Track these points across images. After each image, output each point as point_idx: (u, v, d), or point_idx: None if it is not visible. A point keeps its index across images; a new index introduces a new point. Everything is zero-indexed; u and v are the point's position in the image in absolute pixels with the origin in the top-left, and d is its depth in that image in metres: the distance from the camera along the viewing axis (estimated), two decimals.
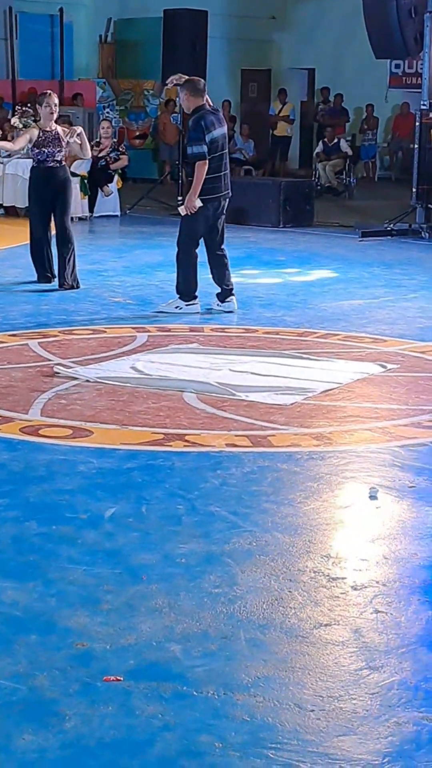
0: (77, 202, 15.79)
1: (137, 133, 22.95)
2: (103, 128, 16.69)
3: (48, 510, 4.54)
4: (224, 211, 9.00)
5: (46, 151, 9.95)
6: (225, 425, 5.80)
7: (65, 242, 10.03)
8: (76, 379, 6.61)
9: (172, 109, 21.49)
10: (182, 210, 8.75)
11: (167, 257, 12.21)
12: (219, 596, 3.75)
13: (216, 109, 9.15)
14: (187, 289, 8.93)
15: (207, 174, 8.66)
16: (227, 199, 9.00)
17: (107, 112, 22.23)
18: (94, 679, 3.18)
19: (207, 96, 8.88)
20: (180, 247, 8.90)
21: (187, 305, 8.92)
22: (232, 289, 9.08)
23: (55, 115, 10.08)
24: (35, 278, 10.20)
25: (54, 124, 10.08)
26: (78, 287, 9.93)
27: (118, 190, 16.46)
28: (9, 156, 15.53)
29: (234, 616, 3.60)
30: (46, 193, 10.02)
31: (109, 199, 16.28)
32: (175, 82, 9.17)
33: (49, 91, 10.41)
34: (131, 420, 5.83)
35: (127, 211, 16.54)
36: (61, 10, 21.75)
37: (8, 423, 5.72)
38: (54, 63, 22.04)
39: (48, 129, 10.02)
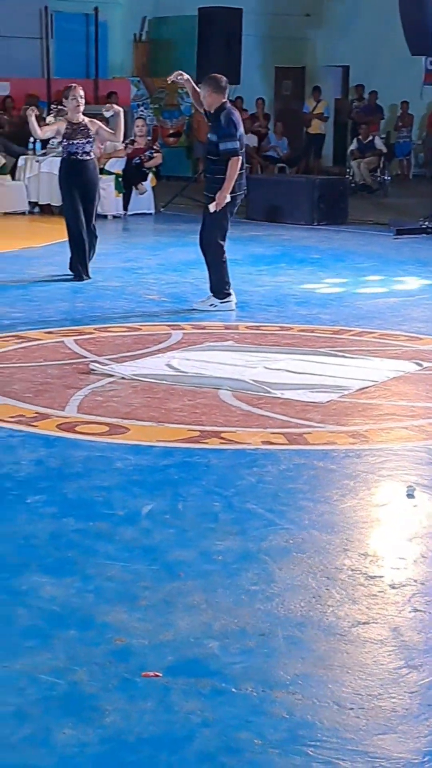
0: (111, 201, 15.86)
1: (171, 131, 22.98)
2: (137, 126, 16.73)
3: (85, 506, 4.55)
4: None
5: (75, 143, 10.04)
6: (261, 423, 5.80)
7: (92, 235, 10.15)
8: (111, 376, 6.63)
9: None
10: (212, 207, 8.74)
11: (201, 255, 12.25)
12: (256, 593, 3.75)
13: (235, 108, 9.24)
14: (221, 287, 8.94)
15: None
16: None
17: (141, 111, 22.29)
18: (133, 675, 3.19)
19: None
20: (211, 247, 8.90)
21: (221, 303, 8.93)
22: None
23: (82, 107, 10.15)
24: (71, 276, 10.26)
25: (82, 116, 10.14)
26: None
27: (153, 188, 16.49)
28: (44, 154, 15.62)
29: (272, 614, 3.60)
30: (76, 185, 10.09)
31: (144, 197, 16.31)
32: (177, 78, 9.12)
33: (74, 84, 10.47)
34: (167, 417, 5.84)
35: (161, 209, 16.56)
36: (96, 9, 21.83)
37: (45, 420, 5.74)
38: (89, 62, 22.11)
39: (76, 121, 10.09)
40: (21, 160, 16.05)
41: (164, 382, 6.52)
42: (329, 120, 22.99)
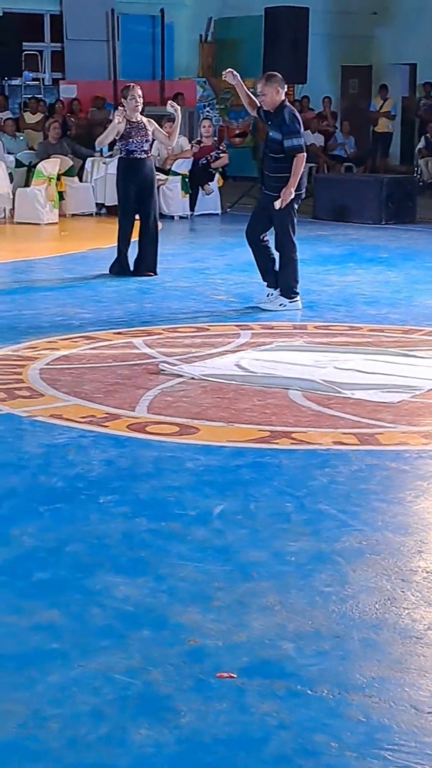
0: (178, 201, 15.90)
1: (237, 132, 22.98)
2: (203, 127, 16.77)
3: (157, 506, 4.56)
4: None
5: (134, 141, 10.22)
6: (332, 423, 5.77)
7: (155, 232, 10.33)
8: (181, 376, 6.64)
9: None
10: (278, 203, 8.69)
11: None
12: (330, 595, 3.72)
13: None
14: (292, 286, 8.92)
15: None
16: None
17: (207, 111, 22.31)
18: (208, 676, 3.18)
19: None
20: (285, 246, 8.86)
21: (290, 302, 8.90)
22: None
23: (140, 107, 10.38)
24: (139, 276, 10.39)
25: (140, 115, 10.29)
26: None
27: (219, 188, 16.51)
28: (111, 155, 15.69)
29: (346, 616, 3.57)
30: (134, 184, 10.25)
31: (210, 198, 16.34)
32: (229, 79, 9.09)
33: (132, 84, 10.63)
34: (237, 417, 5.83)
35: (228, 210, 16.57)
36: (162, 11, 21.89)
37: (115, 420, 5.76)
38: (155, 63, 22.20)
39: (134, 120, 10.25)
40: (88, 162, 16.15)
41: (234, 382, 6.52)
42: (396, 118, 22.83)
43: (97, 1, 21.76)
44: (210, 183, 16.22)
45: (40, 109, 19.55)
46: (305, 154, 8.76)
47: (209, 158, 16.14)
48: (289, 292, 8.91)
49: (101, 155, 15.98)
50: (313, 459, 5.19)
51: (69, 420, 5.75)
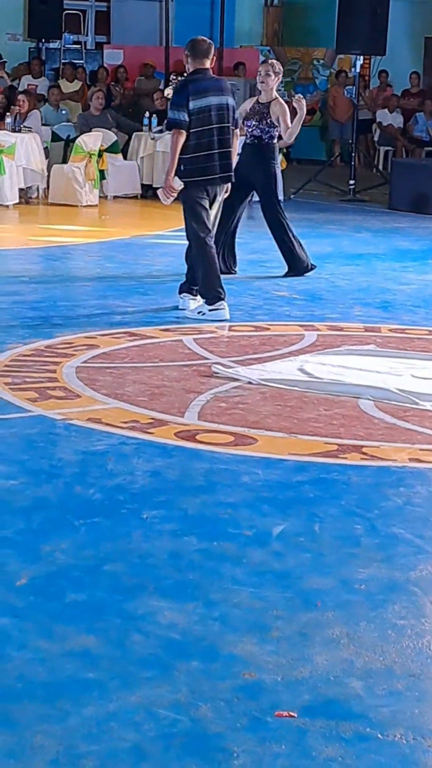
0: None
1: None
2: None
3: (208, 524, 4.59)
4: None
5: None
6: (408, 437, 5.77)
7: None
8: (236, 380, 6.67)
9: (345, 82, 21.51)
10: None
11: (337, 247, 12.28)
12: (405, 629, 3.73)
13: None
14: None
15: None
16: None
17: None
18: (264, 714, 3.20)
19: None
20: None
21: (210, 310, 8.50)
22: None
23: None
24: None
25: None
26: None
27: (282, 171, 16.52)
28: (161, 130, 15.79)
29: (423, 652, 3.58)
30: None
31: None
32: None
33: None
34: (300, 428, 5.85)
35: (291, 196, 16.59)
36: None
37: (162, 426, 5.80)
38: (213, 28, 22.26)
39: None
40: (134, 138, 16.20)
41: (296, 388, 6.54)
42: None
43: None
44: None
45: (78, 76, 19.66)
46: (180, 130, 8.26)
47: None
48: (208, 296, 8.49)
49: (149, 130, 16.05)
50: (386, 477, 5.20)
51: (109, 425, 5.80)
